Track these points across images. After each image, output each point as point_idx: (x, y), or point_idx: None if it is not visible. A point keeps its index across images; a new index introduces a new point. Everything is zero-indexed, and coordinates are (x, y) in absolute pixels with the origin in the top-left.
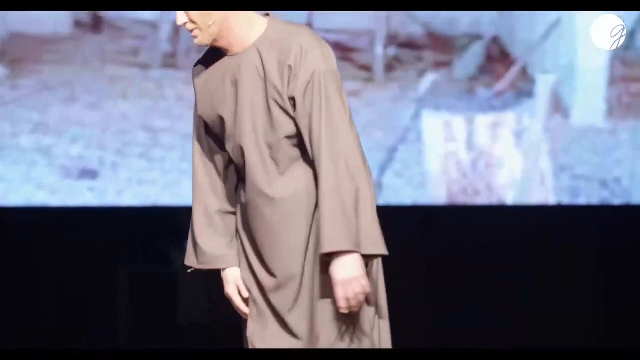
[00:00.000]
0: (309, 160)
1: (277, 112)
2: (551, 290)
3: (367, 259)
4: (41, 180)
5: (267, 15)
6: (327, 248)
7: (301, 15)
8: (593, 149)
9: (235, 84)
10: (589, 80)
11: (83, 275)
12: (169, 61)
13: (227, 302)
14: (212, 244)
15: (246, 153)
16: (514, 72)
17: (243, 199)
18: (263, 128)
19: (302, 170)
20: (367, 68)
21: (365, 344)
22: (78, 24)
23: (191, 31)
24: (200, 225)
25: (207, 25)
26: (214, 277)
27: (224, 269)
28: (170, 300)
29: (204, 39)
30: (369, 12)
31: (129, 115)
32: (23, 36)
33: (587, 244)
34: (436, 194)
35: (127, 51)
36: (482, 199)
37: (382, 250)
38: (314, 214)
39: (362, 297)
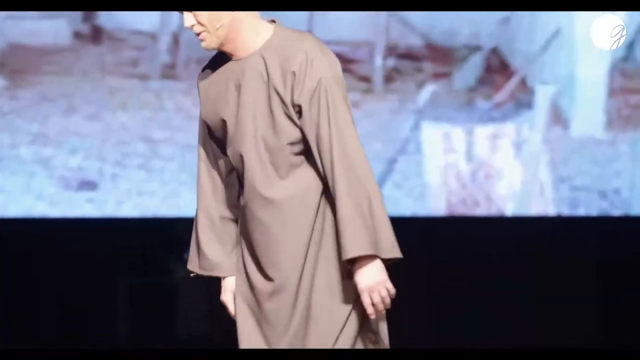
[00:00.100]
0: (310, 166)
1: (280, 118)
2: (551, 301)
3: (385, 262)
4: (41, 191)
5: (273, 22)
6: (350, 254)
7: (301, 27)
8: (592, 160)
9: (239, 88)
10: (588, 91)
11: (83, 286)
12: (169, 72)
13: (227, 312)
14: (214, 250)
15: (245, 157)
16: (513, 83)
17: (242, 204)
18: (264, 133)
19: (302, 175)
20: (366, 79)
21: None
22: (77, 35)
23: (198, 34)
24: (203, 231)
25: (215, 28)
26: (214, 289)
27: (223, 277)
28: (170, 311)
29: (211, 41)
30: (367, 23)
31: (129, 126)
32: (22, 47)
33: (586, 255)
34: (436, 205)
35: (127, 62)
36: (481, 210)
37: (399, 253)
38: (314, 219)
39: (388, 301)
